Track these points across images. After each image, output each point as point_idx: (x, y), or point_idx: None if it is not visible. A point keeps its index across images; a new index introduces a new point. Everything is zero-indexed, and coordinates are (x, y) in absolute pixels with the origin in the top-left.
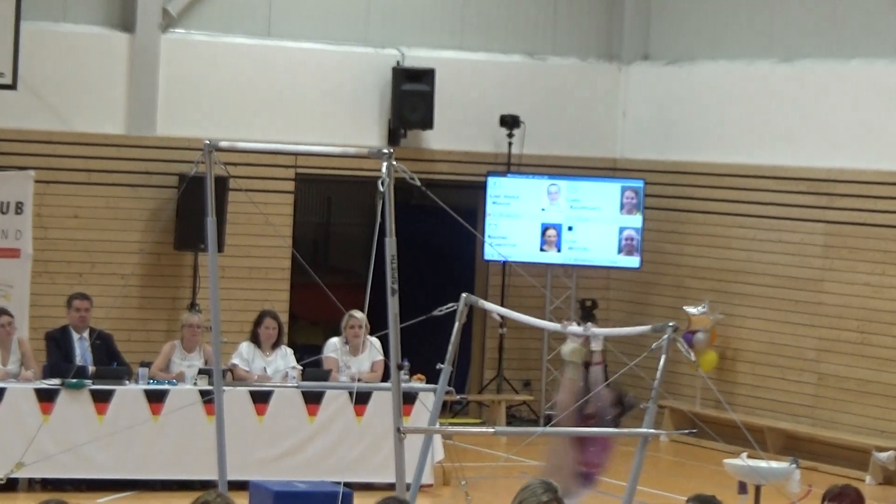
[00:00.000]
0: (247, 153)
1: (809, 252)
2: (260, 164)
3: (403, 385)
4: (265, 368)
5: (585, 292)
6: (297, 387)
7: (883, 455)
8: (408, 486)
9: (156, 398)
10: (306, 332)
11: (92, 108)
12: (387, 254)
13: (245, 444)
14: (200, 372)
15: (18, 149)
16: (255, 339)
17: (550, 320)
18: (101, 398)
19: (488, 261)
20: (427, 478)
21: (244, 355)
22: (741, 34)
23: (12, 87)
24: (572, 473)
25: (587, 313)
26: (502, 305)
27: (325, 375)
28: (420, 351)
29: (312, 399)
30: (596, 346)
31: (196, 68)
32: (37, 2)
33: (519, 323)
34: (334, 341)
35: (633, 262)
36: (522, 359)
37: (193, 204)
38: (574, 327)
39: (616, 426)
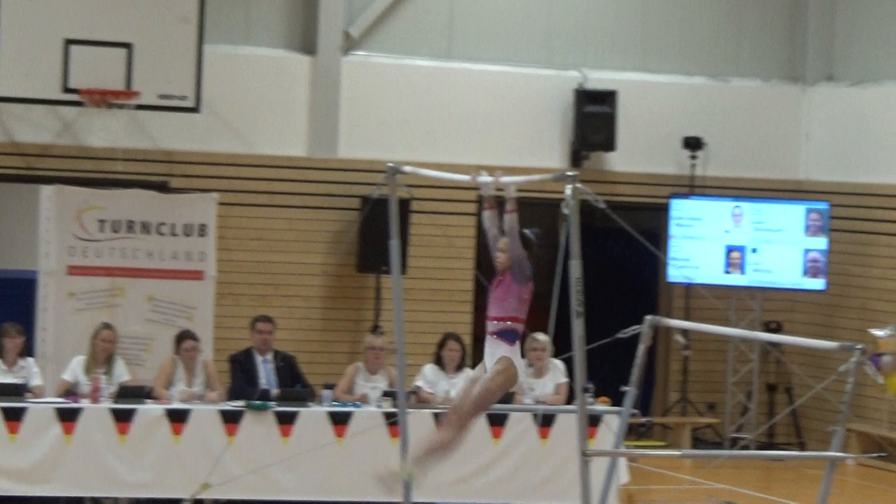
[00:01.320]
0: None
1: None
2: (442, 185)
3: (588, 408)
4: (448, 391)
5: (770, 315)
6: None
7: None
8: None
9: (340, 420)
10: None
11: (274, 130)
12: (571, 276)
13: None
14: (384, 394)
15: (202, 171)
16: (438, 362)
17: (735, 343)
18: (286, 420)
19: (672, 283)
20: (612, 501)
21: (428, 377)
22: None
23: (195, 110)
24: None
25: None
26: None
27: (508, 398)
28: (604, 373)
29: (496, 422)
30: (509, 192)
31: (377, 90)
32: (219, 26)
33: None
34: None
35: (818, 284)
36: (707, 381)
37: (376, 226)
38: (484, 177)
39: (529, 266)
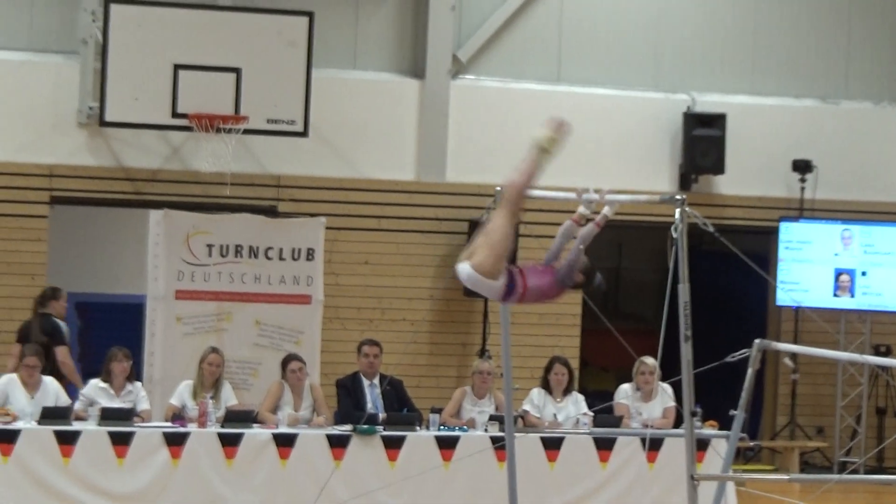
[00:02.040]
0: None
1: None
2: (550, 209)
3: (696, 432)
4: (556, 415)
5: (880, 338)
6: (588, 433)
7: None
8: None
9: (447, 444)
10: (597, 378)
11: (382, 154)
12: (680, 300)
13: (536, 491)
14: (491, 418)
15: (310, 196)
16: (545, 386)
17: (844, 367)
18: (393, 444)
19: (781, 306)
20: None
21: (535, 401)
22: None
23: (304, 134)
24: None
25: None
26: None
27: (616, 422)
28: (712, 397)
29: (604, 445)
30: (607, 210)
31: (485, 114)
32: (327, 50)
33: (813, 360)
34: (626, 387)
35: None
36: (815, 405)
37: None
38: (591, 194)
39: (571, 282)
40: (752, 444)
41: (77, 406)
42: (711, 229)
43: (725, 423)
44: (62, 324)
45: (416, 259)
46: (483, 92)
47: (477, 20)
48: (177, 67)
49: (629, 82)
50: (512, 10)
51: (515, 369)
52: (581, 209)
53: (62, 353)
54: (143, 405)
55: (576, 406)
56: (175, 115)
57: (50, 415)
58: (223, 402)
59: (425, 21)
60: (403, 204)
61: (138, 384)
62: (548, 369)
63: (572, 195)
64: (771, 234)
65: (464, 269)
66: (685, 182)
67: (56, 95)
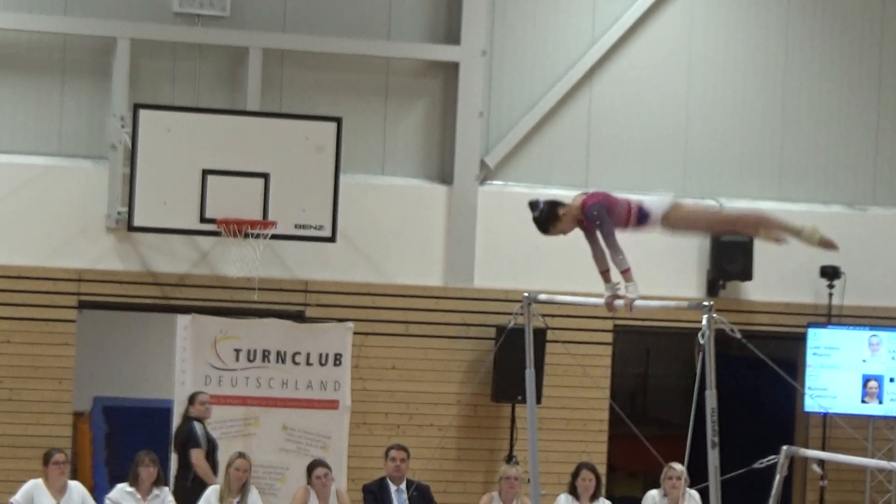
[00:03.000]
0: (565, 305)
1: None
2: (578, 315)
3: None
4: None
5: None
6: None
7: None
8: None
9: None
10: (625, 483)
11: (410, 259)
12: (707, 406)
13: None
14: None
15: (338, 301)
16: (573, 491)
17: (873, 473)
18: None
19: (809, 413)
20: None
21: None
22: None
23: (332, 239)
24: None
25: None
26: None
27: None
28: (741, 503)
29: None
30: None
31: (513, 220)
32: (355, 155)
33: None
34: (653, 494)
35: None
36: None
37: (511, 355)
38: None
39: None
40: None
41: None
42: (739, 335)
43: None
44: (198, 426)
45: (443, 364)
46: (511, 197)
47: (505, 126)
48: (205, 173)
49: (657, 187)
50: (540, 116)
51: (542, 475)
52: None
53: (195, 455)
54: None
55: None
56: (203, 220)
57: None
58: None
59: (453, 127)
60: (431, 309)
61: (165, 489)
62: (575, 475)
63: (600, 300)
64: (799, 340)
65: (664, 196)
66: (713, 288)
67: (84, 200)
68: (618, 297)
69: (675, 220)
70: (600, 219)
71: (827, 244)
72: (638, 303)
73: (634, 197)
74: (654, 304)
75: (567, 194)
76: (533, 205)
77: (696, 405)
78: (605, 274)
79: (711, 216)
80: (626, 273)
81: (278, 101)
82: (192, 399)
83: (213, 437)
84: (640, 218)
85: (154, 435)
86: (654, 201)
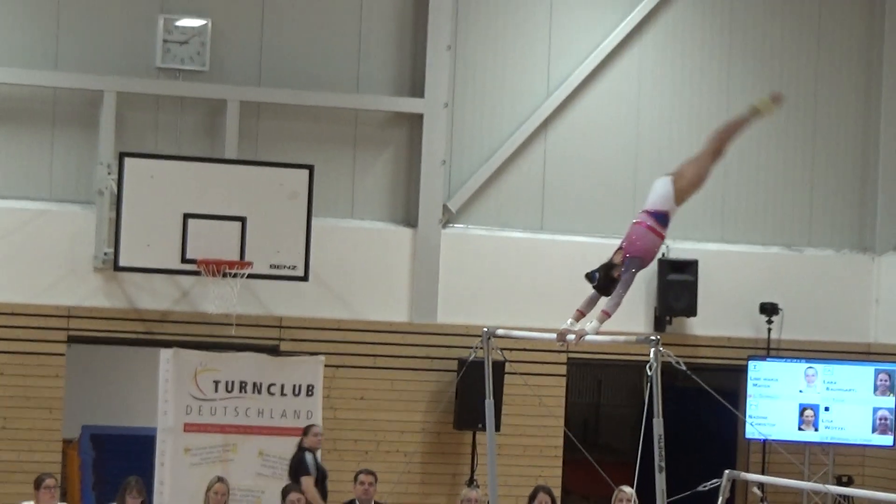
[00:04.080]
0: (522, 339)
1: None
2: (534, 349)
3: None
4: None
5: (841, 469)
6: None
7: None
8: None
9: None
10: None
11: (377, 297)
12: (655, 433)
13: None
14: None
15: (310, 336)
16: None
17: (809, 496)
18: None
19: (749, 439)
20: None
21: None
22: None
23: (304, 278)
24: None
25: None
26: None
27: None
28: None
29: None
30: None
31: (474, 260)
32: (326, 200)
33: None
34: None
35: (887, 440)
36: None
37: (472, 386)
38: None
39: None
40: None
41: None
42: (684, 367)
43: None
44: (309, 456)
45: (408, 395)
46: (471, 239)
47: (465, 174)
48: (186, 216)
49: (608, 230)
50: (498, 163)
51: (502, 497)
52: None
53: (305, 483)
54: None
55: None
56: (184, 260)
57: None
58: None
59: (418, 174)
60: (397, 343)
61: None
62: (532, 497)
63: (553, 336)
64: (740, 372)
65: (663, 182)
66: (660, 323)
67: (73, 242)
68: (570, 331)
69: (684, 192)
70: (627, 272)
71: (775, 99)
72: (590, 337)
73: (644, 213)
74: (605, 339)
75: (523, 237)
76: (590, 277)
77: (644, 432)
78: (579, 312)
79: (701, 161)
80: (606, 315)
81: (254, 150)
82: (306, 431)
83: (323, 466)
84: (665, 221)
85: (139, 461)
86: (660, 196)
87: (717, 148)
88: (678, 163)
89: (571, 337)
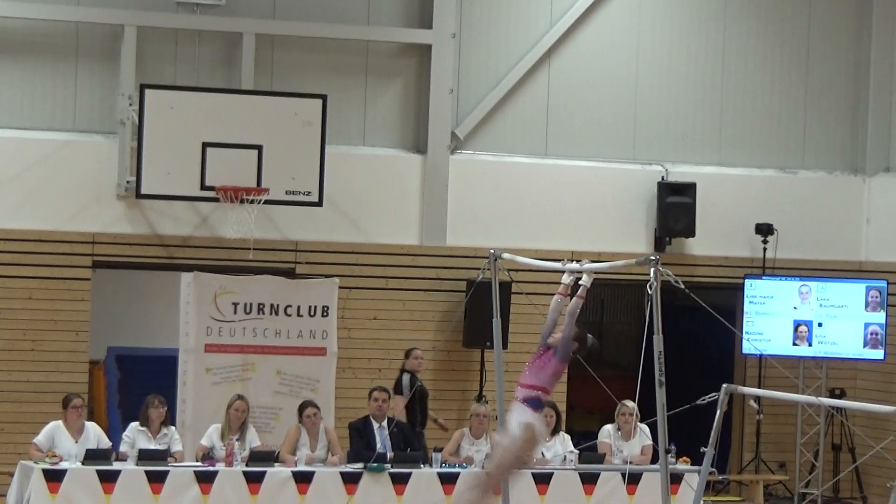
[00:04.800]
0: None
1: None
2: (539, 269)
3: (671, 467)
4: (544, 453)
5: (834, 382)
6: (574, 469)
7: None
8: None
9: (448, 480)
10: (583, 419)
11: (389, 221)
12: (655, 350)
13: None
14: (487, 456)
15: (324, 259)
16: None
17: (803, 408)
18: (400, 480)
19: (746, 355)
20: None
21: None
22: None
23: (318, 204)
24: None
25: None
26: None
27: (599, 459)
28: (685, 436)
29: (589, 480)
30: (585, 281)
31: (481, 185)
32: (339, 128)
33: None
34: (608, 428)
35: (878, 354)
36: (777, 442)
37: (480, 306)
38: (572, 264)
39: (566, 360)
40: (720, 477)
41: (122, 447)
42: (682, 286)
43: (697, 460)
44: (406, 377)
45: (419, 315)
46: (479, 165)
47: (473, 102)
48: (205, 145)
49: (609, 155)
50: (503, 92)
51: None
52: (565, 278)
53: (395, 401)
54: (177, 447)
55: (563, 445)
56: (203, 187)
57: (93, 456)
58: (248, 443)
59: (426, 102)
60: (408, 266)
61: (172, 428)
62: None
63: (558, 265)
64: (737, 290)
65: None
66: (660, 244)
67: (97, 171)
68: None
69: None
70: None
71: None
72: (590, 265)
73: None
74: (605, 266)
75: (528, 162)
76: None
77: (645, 349)
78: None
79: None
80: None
81: (269, 81)
82: (407, 354)
83: (423, 386)
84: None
85: (161, 380)
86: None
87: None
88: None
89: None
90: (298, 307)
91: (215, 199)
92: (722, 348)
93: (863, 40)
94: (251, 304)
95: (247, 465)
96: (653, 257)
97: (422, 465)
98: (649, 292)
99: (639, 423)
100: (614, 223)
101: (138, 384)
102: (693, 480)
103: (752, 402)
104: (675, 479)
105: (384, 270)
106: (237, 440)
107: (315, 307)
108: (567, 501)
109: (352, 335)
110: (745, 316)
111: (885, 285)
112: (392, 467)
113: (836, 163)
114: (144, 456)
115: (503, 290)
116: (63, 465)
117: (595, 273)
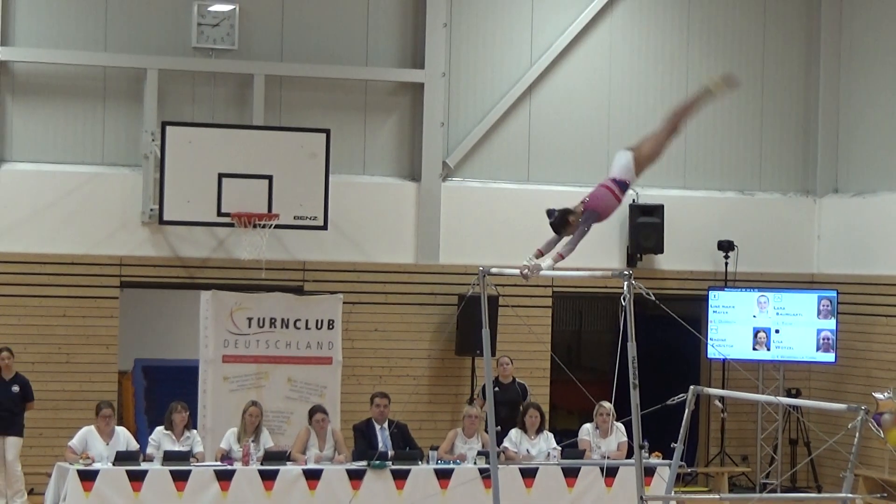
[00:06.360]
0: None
1: None
2: (523, 284)
3: (644, 461)
4: (529, 450)
5: (790, 382)
6: (557, 464)
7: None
8: None
9: (443, 475)
10: (564, 419)
11: (387, 242)
12: (629, 355)
13: None
14: (479, 453)
15: (329, 277)
16: (522, 426)
17: (763, 406)
18: (400, 476)
19: (711, 359)
20: None
21: (513, 439)
22: None
23: (324, 227)
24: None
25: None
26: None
27: (580, 454)
28: (657, 433)
29: (570, 474)
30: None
31: (470, 208)
32: (342, 159)
33: (738, 401)
34: (587, 426)
35: (830, 357)
36: (740, 438)
37: (470, 318)
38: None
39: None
40: (689, 470)
41: (148, 449)
42: (653, 298)
43: (668, 454)
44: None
45: (415, 326)
46: (467, 191)
47: (461, 134)
48: (221, 176)
49: (585, 180)
50: (489, 125)
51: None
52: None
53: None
54: (198, 448)
55: (547, 442)
56: (220, 214)
57: (122, 457)
58: (262, 444)
59: (420, 135)
60: (405, 282)
61: (194, 431)
62: (523, 413)
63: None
64: (702, 301)
65: (624, 154)
66: (631, 260)
67: (124, 200)
68: (527, 267)
69: (642, 165)
70: (585, 223)
71: (726, 80)
72: (571, 273)
73: (610, 180)
74: (585, 274)
75: (512, 187)
76: (549, 213)
77: (619, 355)
78: (538, 251)
79: (658, 137)
80: (560, 257)
81: (278, 117)
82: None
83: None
84: (625, 188)
85: (184, 388)
86: (622, 167)
87: (672, 126)
88: (639, 137)
89: (528, 264)
90: (307, 321)
91: (231, 225)
92: (689, 353)
93: (811, 75)
94: (264, 319)
95: (261, 465)
96: (626, 272)
97: (419, 462)
98: (623, 304)
99: (615, 422)
100: (590, 241)
101: (163, 392)
102: (665, 473)
103: (716, 402)
104: (649, 472)
105: (383, 287)
106: (252, 442)
107: (322, 321)
108: (551, 493)
109: (355, 345)
110: (709, 324)
111: (836, 295)
112: (393, 464)
113: (790, 185)
114: (169, 457)
115: (491, 303)
116: (95, 466)
117: (575, 287)
